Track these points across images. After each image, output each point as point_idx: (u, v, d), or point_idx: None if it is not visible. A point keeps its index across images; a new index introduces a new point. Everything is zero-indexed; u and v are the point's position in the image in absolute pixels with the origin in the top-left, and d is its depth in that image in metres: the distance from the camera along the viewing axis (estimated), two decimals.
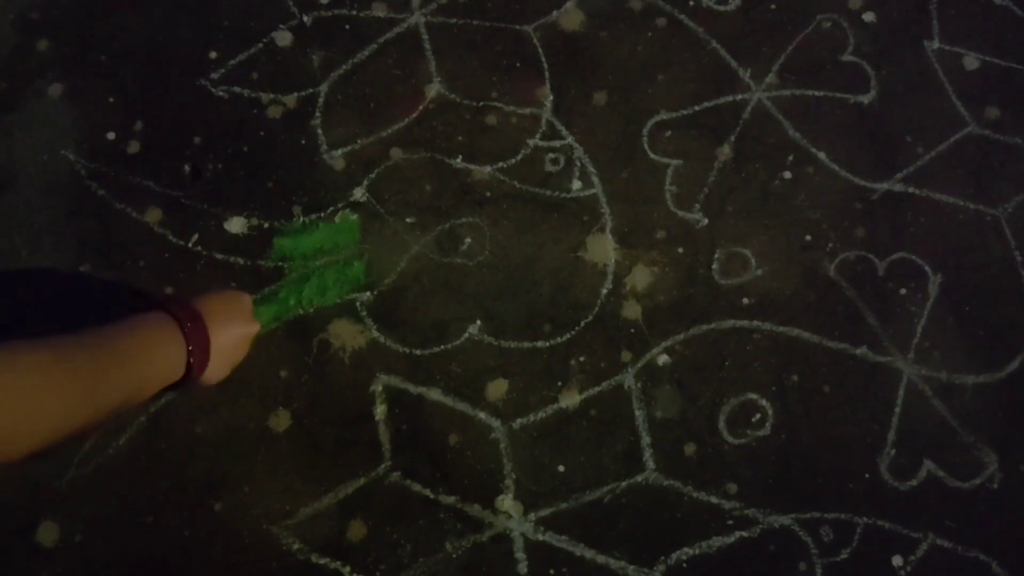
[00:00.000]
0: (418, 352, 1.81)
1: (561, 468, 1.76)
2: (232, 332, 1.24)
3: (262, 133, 1.93)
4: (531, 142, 1.95)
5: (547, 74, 2.00)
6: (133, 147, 1.92)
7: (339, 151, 1.93)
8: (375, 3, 2.04)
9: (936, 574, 1.75)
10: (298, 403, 1.78)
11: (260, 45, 1.99)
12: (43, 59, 1.98)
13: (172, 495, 1.73)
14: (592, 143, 1.96)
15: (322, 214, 1.88)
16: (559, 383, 1.81)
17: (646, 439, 1.78)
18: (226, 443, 1.76)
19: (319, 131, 1.94)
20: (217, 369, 1.21)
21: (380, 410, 1.78)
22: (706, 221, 1.92)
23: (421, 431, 1.77)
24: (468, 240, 1.89)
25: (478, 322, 1.84)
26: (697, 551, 1.73)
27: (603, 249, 1.89)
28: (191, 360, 1.11)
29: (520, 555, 1.72)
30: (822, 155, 1.97)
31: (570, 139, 1.96)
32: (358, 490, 1.74)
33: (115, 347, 0.99)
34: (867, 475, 1.79)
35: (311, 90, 1.97)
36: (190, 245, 1.86)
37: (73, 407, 0.88)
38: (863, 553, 1.74)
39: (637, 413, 1.80)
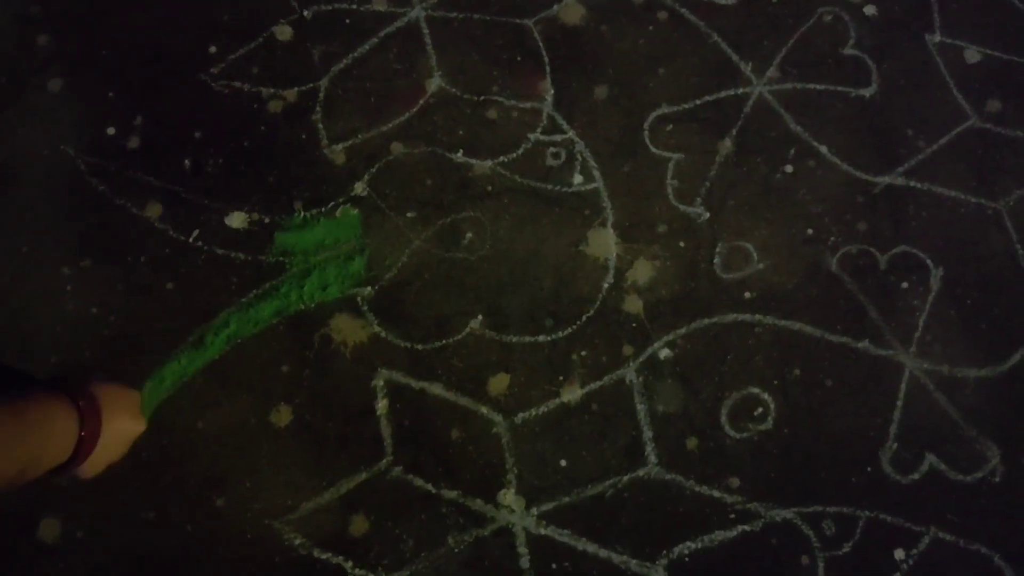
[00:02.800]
0: (420, 347, 1.81)
1: (563, 462, 1.76)
2: (122, 425, 1.23)
3: (263, 128, 1.93)
4: (532, 136, 1.95)
5: (548, 68, 2.00)
6: (133, 142, 1.91)
7: (340, 145, 1.92)
8: None
9: (938, 567, 1.75)
10: (300, 398, 1.78)
11: (260, 40, 1.99)
12: (43, 54, 1.98)
13: (174, 491, 1.73)
14: (593, 137, 1.95)
15: (323, 209, 1.88)
16: (561, 377, 1.80)
17: (648, 433, 1.78)
18: (228, 438, 1.76)
19: (320, 126, 1.93)
20: (98, 460, 1.19)
21: (382, 405, 1.78)
22: (707, 215, 1.92)
23: (423, 426, 1.77)
24: (469, 235, 1.88)
25: (479, 317, 1.83)
26: (699, 545, 1.73)
27: (604, 243, 1.89)
28: (80, 444, 1.11)
29: (522, 549, 1.71)
30: (824, 149, 1.97)
31: (571, 133, 1.95)
32: (360, 485, 1.74)
33: (14, 421, 1.00)
34: (869, 469, 1.79)
35: (311, 84, 1.96)
36: (191, 240, 1.85)
37: None
38: (865, 546, 1.74)
39: (639, 407, 1.79)
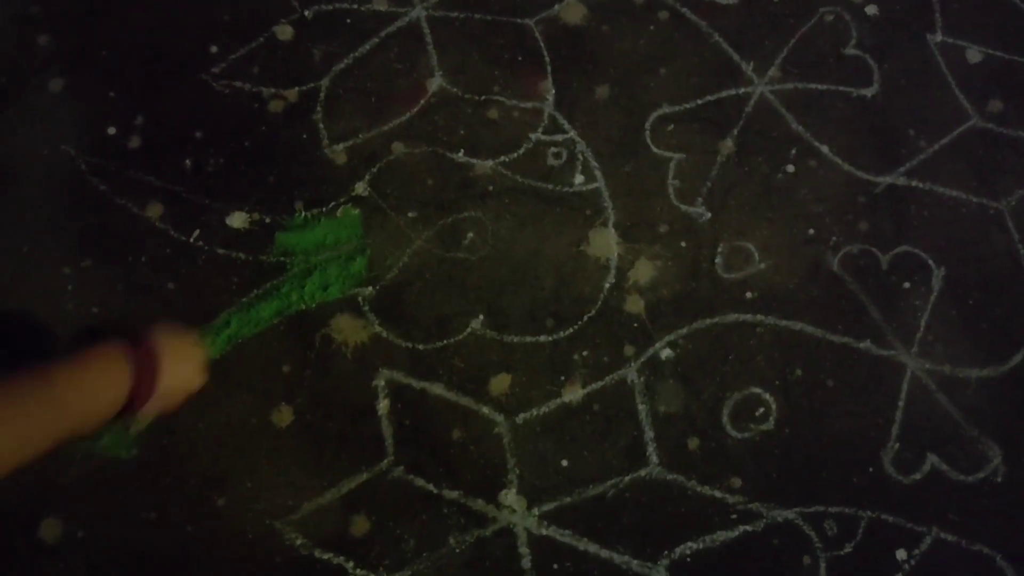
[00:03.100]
0: (421, 347, 1.81)
1: (564, 463, 1.76)
2: (179, 379, 1.20)
3: (263, 127, 1.93)
4: (533, 136, 1.94)
5: (549, 68, 2.00)
6: (134, 142, 1.91)
7: (341, 145, 1.92)
8: None
9: (940, 568, 1.74)
10: (301, 398, 1.78)
11: (261, 39, 1.99)
12: (44, 54, 1.97)
13: (175, 491, 1.73)
14: (594, 137, 1.95)
15: (324, 209, 1.87)
16: (562, 378, 1.80)
17: (649, 433, 1.78)
18: (229, 439, 1.75)
19: (320, 125, 1.93)
20: (149, 411, 1.18)
21: (383, 405, 1.78)
22: (709, 215, 1.92)
23: (424, 426, 1.77)
24: (470, 235, 1.88)
25: (481, 317, 1.83)
26: (701, 545, 1.73)
27: (606, 243, 1.88)
28: (131, 397, 1.10)
29: (524, 549, 1.71)
30: (825, 149, 1.97)
31: (572, 133, 1.95)
32: (361, 485, 1.73)
33: (64, 385, 1.01)
34: (871, 469, 1.78)
35: (312, 84, 1.96)
36: (192, 240, 1.85)
37: (17, 442, 0.91)
38: (867, 547, 1.74)
39: (640, 407, 1.79)
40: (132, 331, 1.15)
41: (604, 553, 1.72)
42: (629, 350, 1.82)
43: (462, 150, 1.93)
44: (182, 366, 1.21)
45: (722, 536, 1.73)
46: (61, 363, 1.04)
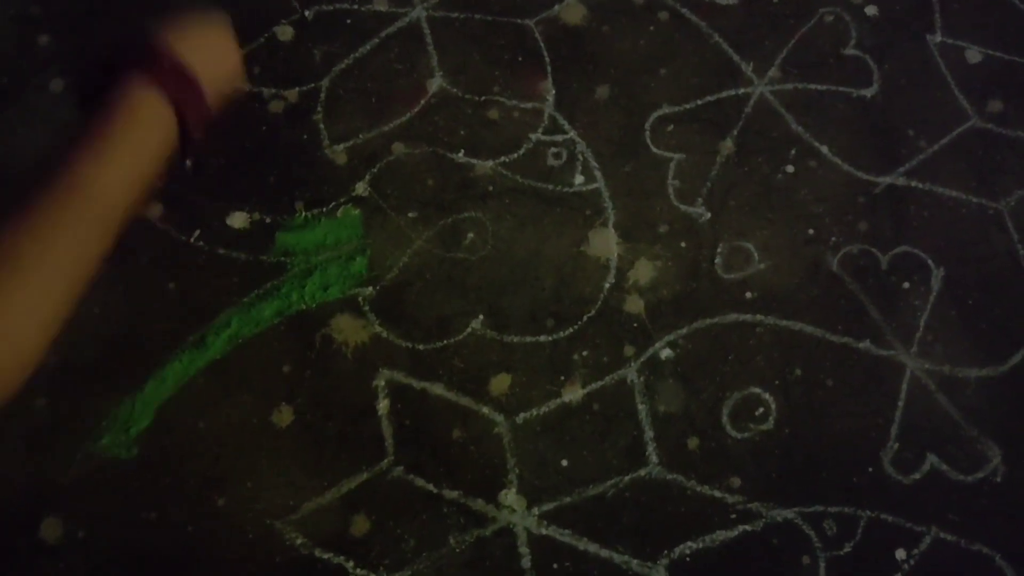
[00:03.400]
0: (421, 347, 1.81)
1: (564, 463, 1.76)
2: (219, 74, 0.98)
3: (264, 128, 1.93)
4: (533, 136, 1.95)
5: (549, 68, 2.00)
6: None
7: (341, 146, 1.92)
8: None
9: (939, 567, 1.75)
10: (301, 398, 1.78)
11: (261, 40, 1.99)
12: (44, 54, 1.98)
13: (175, 491, 1.73)
14: (594, 137, 1.95)
15: (324, 209, 1.88)
16: (562, 378, 1.81)
17: (649, 433, 1.78)
18: (229, 438, 1.76)
19: (321, 126, 1.94)
20: (214, 95, 0.97)
21: (383, 405, 1.78)
22: (709, 215, 1.92)
23: (424, 426, 1.77)
24: (471, 235, 1.88)
25: (481, 317, 1.83)
26: (700, 545, 1.73)
27: (606, 243, 1.89)
28: (182, 130, 0.96)
29: (524, 549, 1.71)
30: (825, 149, 1.97)
31: (572, 133, 1.95)
32: (361, 485, 1.74)
33: (102, 166, 0.87)
34: (870, 469, 1.79)
35: (312, 85, 1.96)
36: (192, 240, 1.85)
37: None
38: (866, 546, 1.74)
39: (640, 407, 1.79)
40: (145, 47, 0.93)
41: (604, 553, 1.72)
42: (629, 350, 1.83)
43: (462, 150, 1.93)
44: (218, 63, 1.00)
45: (721, 536, 1.74)
46: (83, 143, 0.85)
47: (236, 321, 1.80)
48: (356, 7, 2.02)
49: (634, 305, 1.85)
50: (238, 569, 1.70)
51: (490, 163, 1.92)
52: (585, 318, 1.84)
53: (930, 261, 1.91)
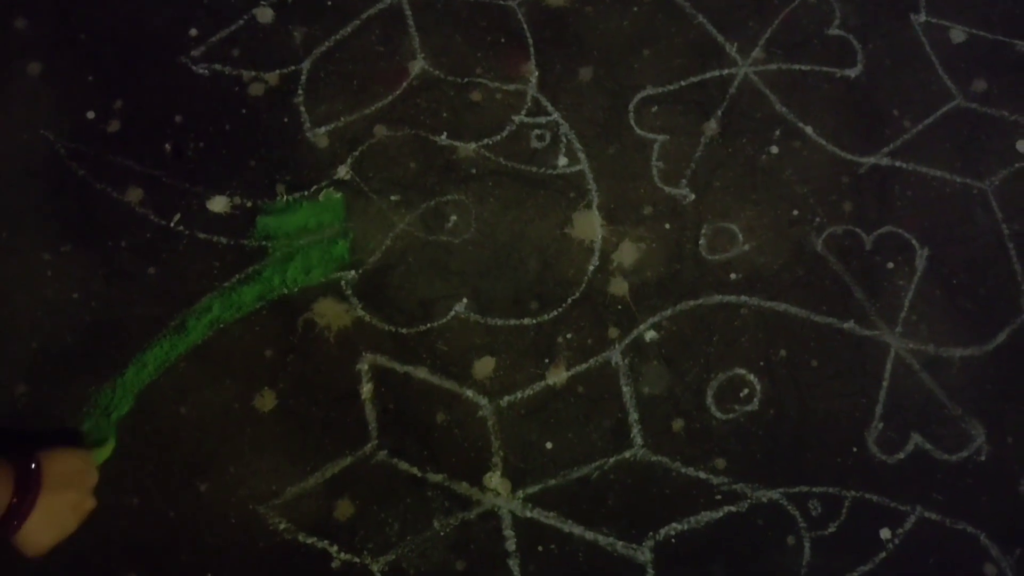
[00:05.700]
0: (404, 331, 1.80)
1: (549, 445, 1.76)
2: (65, 499, 1.19)
3: (244, 111, 1.91)
4: (516, 118, 1.93)
5: (532, 50, 1.99)
6: (113, 126, 1.89)
7: (322, 129, 1.91)
8: None
9: (924, 546, 1.75)
10: (283, 383, 1.77)
11: (241, 22, 1.97)
12: (21, 38, 1.95)
13: (157, 477, 1.72)
14: (578, 119, 1.94)
15: (306, 192, 1.86)
16: (546, 360, 1.80)
17: (634, 415, 1.78)
18: (211, 424, 1.74)
19: (302, 109, 1.92)
20: (39, 533, 1.15)
21: (366, 389, 1.77)
22: (693, 196, 1.91)
23: (408, 410, 1.76)
24: (454, 218, 1.87)
25: (464, 300, 1.82)
26: (686, 526, 1.73)
27: (590, 225, 1.88)
28: (10, 512, 1.10)
29: (508, 532, 1.71)
30: (809, 129, 1.96)
31: (556, 115, 1.94)
32: (345, 469, 1.73)
33: None
34: (855, 449, 1.79)
35: (293, 67, 1.94)
36: (172, 225, 1.84)
37: None
38: (851, 526, 1.74)
39: (625, 389, 1.79)
40: (24, 449, 1.14)
41: (589, 535, 1.72)
42: (613, 332, 1.82)
43: (445, 133, 1.92)
44: (68, 489, 1.19)
45: (707, 517, 1.74)
46: None
47: (217, 306, 1.78)
48: None
49: (618, 287, 1.84)
50: (221, 554, 1.69)
51: (473, 145, 1.91)
52: (569, 300, 1.83)
53: (914, 241, 1.90)
